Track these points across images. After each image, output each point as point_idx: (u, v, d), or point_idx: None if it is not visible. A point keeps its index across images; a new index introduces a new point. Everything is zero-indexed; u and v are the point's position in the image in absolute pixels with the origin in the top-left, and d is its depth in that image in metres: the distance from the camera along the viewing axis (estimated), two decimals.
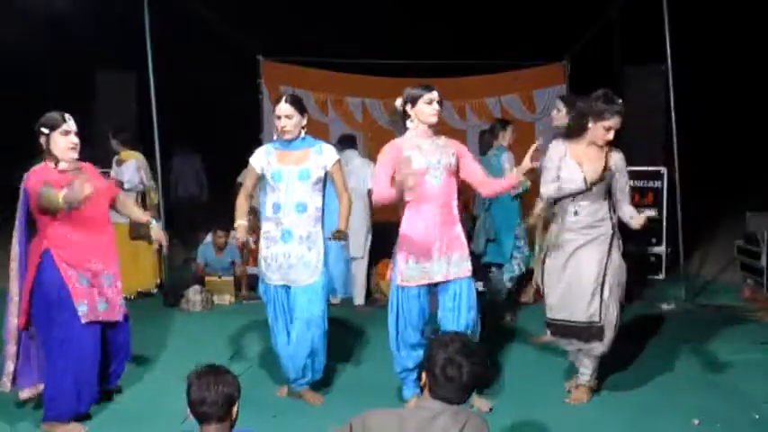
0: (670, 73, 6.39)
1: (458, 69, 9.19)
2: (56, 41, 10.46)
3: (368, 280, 6.83)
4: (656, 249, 7.42)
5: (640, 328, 5.50)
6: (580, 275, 3.98)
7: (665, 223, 7.34)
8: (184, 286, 6.58)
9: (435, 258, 3.88)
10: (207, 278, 6.79)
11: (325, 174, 4.09)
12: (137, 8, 6.46)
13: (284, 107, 4.03)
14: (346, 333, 5.57)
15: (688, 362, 4.75)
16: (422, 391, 2.44)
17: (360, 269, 6.49)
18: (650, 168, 7.46)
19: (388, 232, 7.03)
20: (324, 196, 4.15)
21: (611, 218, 4.05)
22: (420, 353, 3.85)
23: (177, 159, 9.49)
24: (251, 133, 8.47)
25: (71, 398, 3.74)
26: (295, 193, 4.03)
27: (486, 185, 4.10)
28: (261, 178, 4.15)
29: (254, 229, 4.73)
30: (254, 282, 6.13)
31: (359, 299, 6.50)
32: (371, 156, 8.80)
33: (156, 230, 4.15)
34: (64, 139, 3.71)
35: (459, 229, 3.96)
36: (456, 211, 3.96)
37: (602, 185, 3.99)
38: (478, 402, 3.98)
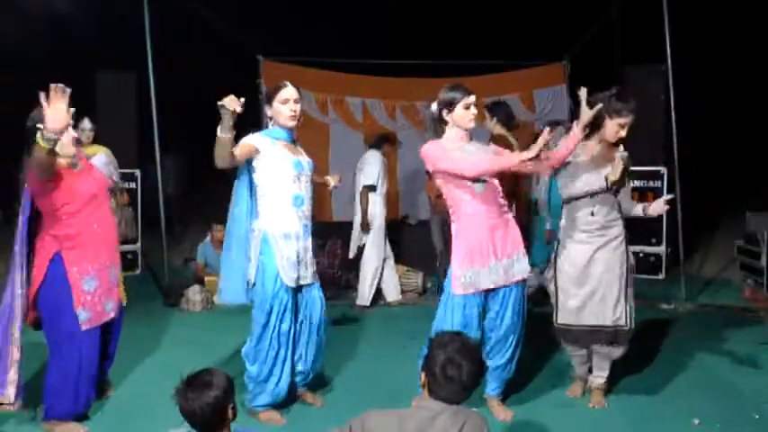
0: (670, 73, 6.39)
1: (458, 69, 9.19)
2: (56, 41, 10.44)
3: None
4: (656, 249, 7.43)
5: (640, 328, 5.47)
6: (606, 279, 3.90)
7: (665, 223, 7.34)
8: (184, 286, 6.58)
9: (492, 263, 3.72)
10: (207, 278, 6.80)
11: None
12: (137, 8, 6.46)
13: (292, 90, 3.84)
14: (346, 333, 5.57)
15: (688, 362, 4.75)
16: (422, 390, 2.44)
17: (390, 267, 6.61)
18: (650, 168, 7.46)
19: (389, 232, 7.03)
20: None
21: (621, 217, 4.01)
22: None
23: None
24: (251, 133, 8.46)
25: (70, 398, 3.74)
26: (309, 186, 3.94)
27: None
28: (248, 164, 3.81)
29: None
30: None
31: (392, 296, 6.65)
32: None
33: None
34: (68, 136, 3.60)
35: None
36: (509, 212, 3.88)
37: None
38: (501, 413, 3.91)
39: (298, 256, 3.83)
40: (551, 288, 4.08)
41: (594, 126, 3.90)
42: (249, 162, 3.82)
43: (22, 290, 3.71)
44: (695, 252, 8.06)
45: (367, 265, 6.50)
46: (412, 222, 8.32)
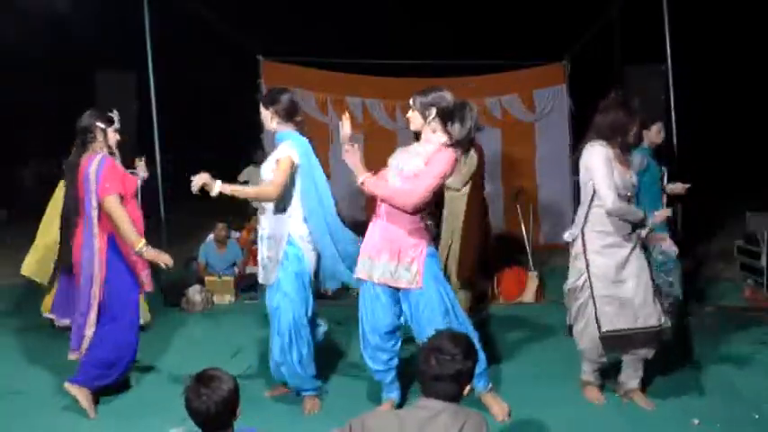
0: (670, 73, 6.40)
1: (458, 69, 9.20)
2: (56, 41, 10.45)
3: None
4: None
5: None
6: (642, 281, 3.89)
7: (664, 223, 7.34)
8: (185, 286, 6.58)
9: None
10: (207, 278, 6.80)
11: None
12: (137, 8, 6.47)
13: None
14: (346, 332, 5.57)
15: (688, 362, 4.75)
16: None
17: None
18: None
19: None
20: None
21: None
22: None
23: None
24: (251, 133, 8.48)
25: (109, 366, 4.00)
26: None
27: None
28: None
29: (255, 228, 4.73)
30: (253, 281, 6.14)
31: None
32: (372, 156, 8.84)
33: (151, 253, 4.01)
34: (114, 136, 4.07)
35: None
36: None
37: None
38: (497, 409, 3.91)
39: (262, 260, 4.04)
40: (584, 296, 3.93)
41: (613, 130, 3.88)
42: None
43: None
44: (695, 252, 8.06)
45: None
46: None
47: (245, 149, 9.18)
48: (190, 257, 7.29)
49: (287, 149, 3.92)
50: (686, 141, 6.57)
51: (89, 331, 3.98)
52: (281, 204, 3.95)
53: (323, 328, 4.27)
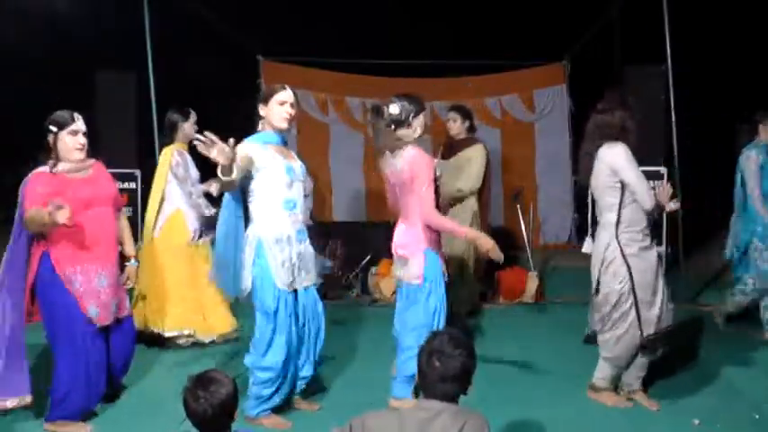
0: (670, 73, 6.39)
1: (458, 69, 9.19)
2: (56, 41, 10.44)
3: (366, 279, 6.85)
4: (656, 249, 7.41)
5: None
6: (663, 281, 3.94)
7: (665, 223, 7.34)
8: None
9: None
10: None
11: None
12: (137, 8, 6.47)
13: (291, 94, 3.86)
14: (346, 332, 5.57)
15: (688, 362, 4.75)
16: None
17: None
18: (650, 168, 7.44)
19: (389, 232, 7.04)
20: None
21: None
22: None
23: None
24: (251, 133, 8.46)
25: (82, 396, 3.75)
26: (302, 190, 3.94)
27: None
28: (245, 172, 3.72)
29: None
30: None
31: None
32: (372, 156, 8.85)
33: (131, 270, 4.08)
34: (72, 139, 3.72)
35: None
36: None
37: None
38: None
39: (291, 261, 3.82)
40: (626, 302, 3.87)
41: (623, 129, 3.87)
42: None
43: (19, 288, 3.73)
44: (695, 252, 8.05)
45: None
46: None
47: None
48: None
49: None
50: (686, 141, 6.56)
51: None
52: None
53: None
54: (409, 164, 3.84)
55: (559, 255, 8.54)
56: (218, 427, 2.46)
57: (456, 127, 5.97)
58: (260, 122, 3.95)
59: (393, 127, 3.93)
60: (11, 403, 3.72)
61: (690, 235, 6.71)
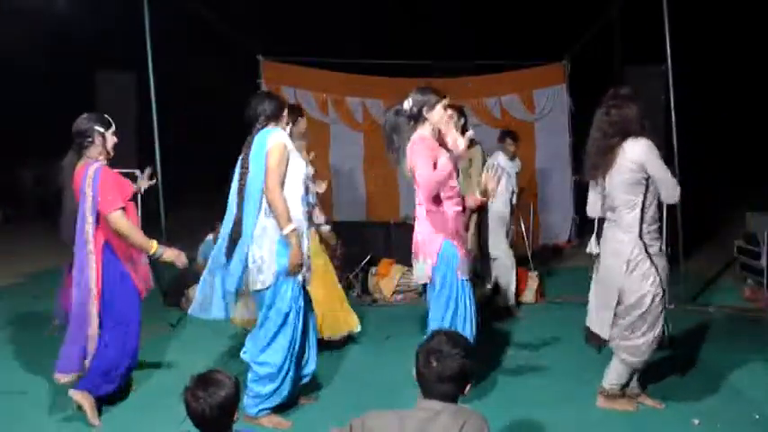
0: (670, 73, 6.38)
1: (458, 69, 9.20)
2: (56, 41, 10.46)
3: (366, 279, 6.84)
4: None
5: None
6: None
7: (664, 223, 7.34)
8: (185, 286, 6.56)
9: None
10: None
11: None
12: (137, 8, 6.46)
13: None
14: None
15: (688, 362, 4.75)
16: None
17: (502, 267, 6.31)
18: None
19: (389, 232, 7.02)
20: None
21: None
22: None
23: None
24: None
25: (115, 370, 3.94)
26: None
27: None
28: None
29: None
30: None
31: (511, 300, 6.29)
32: (372, 156, 8.86)
33: (169, 254, 4.08)
34: (114, 138, 4.00)
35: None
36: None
37: None
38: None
39: (308, 256, 3.88)
40: (654, 303, 3.76)
41: (639, 122, 3.77)
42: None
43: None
44: (695, 252, 8.05)
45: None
46: (412, 222, 8.30)
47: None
48: (189, 257, 7.27)
49: None
50: (686, 141, 6.56)
51: (91, 346, 3.89)
52: None
53: None
54: (409, 156, 3.90)
55: (559, 255, 8.55)
56: (218, 428, 2.45)
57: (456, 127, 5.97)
58: (271, 122, 3.97)
59: (412, 123, 3.94)
60: (64, 379, 3.92)
61: (690, 235, 6.70)
